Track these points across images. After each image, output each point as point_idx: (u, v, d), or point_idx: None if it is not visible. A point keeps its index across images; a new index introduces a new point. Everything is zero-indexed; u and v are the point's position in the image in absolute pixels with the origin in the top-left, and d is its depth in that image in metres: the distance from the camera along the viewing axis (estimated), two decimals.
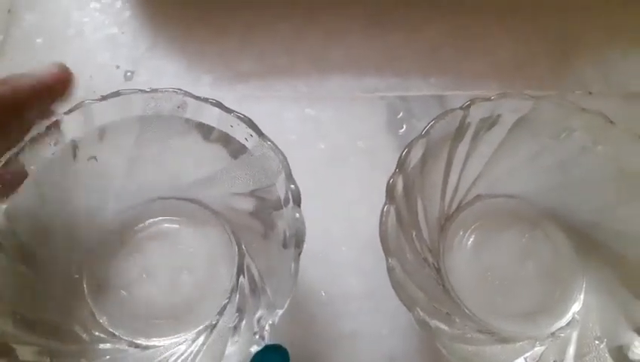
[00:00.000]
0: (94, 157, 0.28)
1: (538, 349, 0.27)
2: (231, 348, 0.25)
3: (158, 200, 0.31)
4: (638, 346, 0.25)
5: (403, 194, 0.27)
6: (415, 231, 0.28)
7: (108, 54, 0.37)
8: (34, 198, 0.26)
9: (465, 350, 0.25)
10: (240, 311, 0.27)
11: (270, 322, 0.23)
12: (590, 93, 0.38)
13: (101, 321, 0.28)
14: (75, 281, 0.28)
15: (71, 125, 0.26)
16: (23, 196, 0.25)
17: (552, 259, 0.30)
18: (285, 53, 0.37)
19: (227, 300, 0.28)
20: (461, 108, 0.27)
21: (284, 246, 0.25)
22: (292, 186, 0.25)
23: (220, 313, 0.28)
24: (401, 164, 0.26)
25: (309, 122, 0.36)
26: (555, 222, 0.31)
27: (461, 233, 0.31)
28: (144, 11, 0.38)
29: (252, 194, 0.28)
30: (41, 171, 0.26)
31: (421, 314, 0.24)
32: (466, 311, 0.29)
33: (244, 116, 0.26)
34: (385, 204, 0.25)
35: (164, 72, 0.36)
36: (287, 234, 0.25)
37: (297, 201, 0.25)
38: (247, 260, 0.29)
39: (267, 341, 0.24)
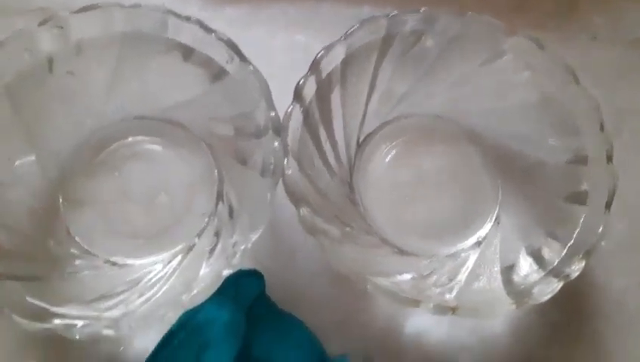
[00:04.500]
0: (72, 72, 0.27)
1: (431, 265, 0.27)
2: (205, 270, 0.26)
3: (138, 119, 0.30)
4: (523, 267, 0.25)
5: (316, 98, 0.26)
6: (329, 139, 0.28)
7: None
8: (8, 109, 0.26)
9: (351, 257, 0.25)
10: (217, 235, 0.27)
11: (243, 247, 0.23)
12: (595, 38, 0.36)
13: (76, 238, 0.28)
14: (51, 197, 0.28)
15: (44, 37, 0.26)
16: None
17: (468, 182, 0.29)
18: None
19: (206, 224, 0.28)
20: (386, 16, 0.27)
21: (262, 175, 0.25)
22: (272, 114, 0.25)
23: (199, 235, 0.28)
24: (316, 65, 0.26)
25: (299, 50, 0.34)
26: (478, 145, 0.30)
27: (381, 148, 0.30)
28: None
29: (232, 120, 0.28)
30: (16, 81, 0.26)
31: (307, 212, 0.24)
32: (370, 223, 0.28)
33: (226, 37, 0.25)
34: (291, 103, 0.25)
35: None
36: (265, 164, 0.25)
37: (277, 130, 0.24)
38: (227, 186, 0.29)
39: (241, 265, 0.24)
